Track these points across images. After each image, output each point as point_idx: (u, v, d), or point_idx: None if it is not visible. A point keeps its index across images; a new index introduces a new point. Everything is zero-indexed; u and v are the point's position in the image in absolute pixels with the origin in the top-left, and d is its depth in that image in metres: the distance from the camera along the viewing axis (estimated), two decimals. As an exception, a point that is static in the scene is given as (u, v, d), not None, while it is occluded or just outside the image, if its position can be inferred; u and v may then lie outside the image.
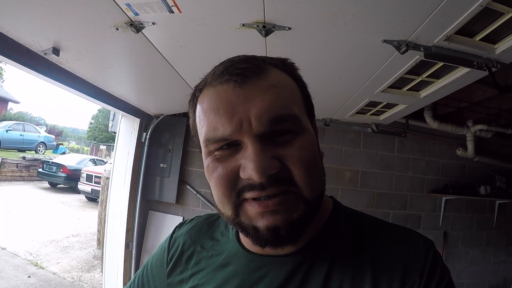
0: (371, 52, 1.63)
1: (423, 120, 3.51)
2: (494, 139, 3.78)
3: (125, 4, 1.24)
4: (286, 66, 0.61)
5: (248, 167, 0.51)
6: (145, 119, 3.33)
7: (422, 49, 1.54)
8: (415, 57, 1.65)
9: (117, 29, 1.43)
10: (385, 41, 1.50)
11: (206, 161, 0.58)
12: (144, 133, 3.32)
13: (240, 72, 0.54)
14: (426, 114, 3.44)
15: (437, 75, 2.02)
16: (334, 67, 1.88)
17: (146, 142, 3.33)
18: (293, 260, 0.62)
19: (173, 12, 1.28)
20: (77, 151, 25.62)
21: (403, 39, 1.49)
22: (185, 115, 3.48)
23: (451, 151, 3.79)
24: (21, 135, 15.28)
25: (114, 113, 3.97)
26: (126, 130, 3.36)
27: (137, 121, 3.28)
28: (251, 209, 0.54)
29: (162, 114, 3.33)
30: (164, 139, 3.50)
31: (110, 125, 4.29)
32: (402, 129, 3.62)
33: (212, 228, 0.78)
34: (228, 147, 0.54)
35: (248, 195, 0.53)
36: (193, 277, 0.72)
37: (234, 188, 0.54)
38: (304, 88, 0.63)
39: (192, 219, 0.85)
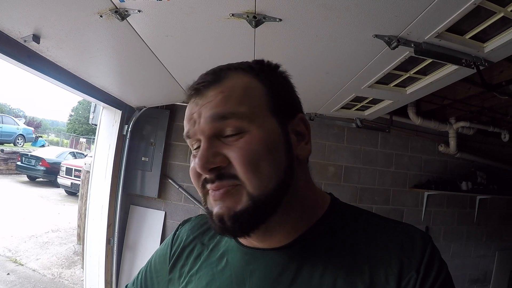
0: (361, 46, 1.61)
1: (407, 116, 3.55)
2: (476, 136, 3.87)
3: (110, -11, 1.18)
4: (251, 68, 0.66)
5: (195, 162, 0.60)
6: (127, 111, 3.24)
7: (412, 45, 1.53)
8: (405, 53, 1.64)
9: (101, 16, 1.36)
10: (376, 35, 1.48)
11: None
12: (126, 126, 3.23)
13: (196, 87, 0.63)
14: (410, 110, 3.48)
15: (424, 72, 2.02)
16: (322, 61, 1.85)
17: (128, 135, 3.24)
18: (285, 253, 0.64)
19: (160, -1, 1.22)
20: (57, 143, 25.12)
21: (395, 34, 1.47)
22: (168, 107, 3.42)
23: (433, 147, 3.86)
24: (-1, 127, 14.82)
25: (95, 105, 3.87)
26: (107, 123, 3.26)
27: (118, 113, 3.19)
28: (210, 197, 0.62)
29: (145, 106, 3.24)
30: (146, 132, 3.41)
31: (91, 117, 4.19)
32: (386, 124, 3.65)
33: None
34: (199, 146, 0.62)
35: (207, 186, 0.61)
36: (191, 272, 0.75)
37: (199, 180, 0.63)
38: (274, 86, 0.66)
39: (196, 216, 0.89)
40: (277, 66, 0.71)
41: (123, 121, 3.22)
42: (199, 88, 0.63)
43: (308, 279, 0.60)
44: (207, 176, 0.60)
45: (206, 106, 0.60)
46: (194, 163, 0.62)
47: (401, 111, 3.47)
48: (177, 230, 0.87)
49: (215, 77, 0.63)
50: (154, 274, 0.85)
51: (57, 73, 2.04)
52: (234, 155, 0.58)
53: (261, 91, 0.64)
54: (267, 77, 0.66)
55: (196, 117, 0.61)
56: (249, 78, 0.65)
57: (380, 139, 3.72)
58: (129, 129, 3.23)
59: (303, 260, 0.62)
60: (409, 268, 0.57)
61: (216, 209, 0.60)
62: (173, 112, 3.44)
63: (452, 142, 3.70)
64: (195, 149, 0.65)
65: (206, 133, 0.60)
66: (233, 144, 0.59)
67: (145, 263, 0.90)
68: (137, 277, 0.89)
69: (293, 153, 0.64)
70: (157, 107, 3.39)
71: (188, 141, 0.66)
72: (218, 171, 0.59)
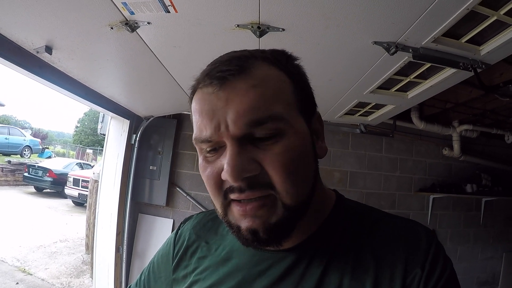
0: (361, 53, 1.67)
1: (410, 121, 3.58)
2: (479, 139, 3.89)
3: (122, 2, 1.24)
4: (277, 60, 0.59)
5: (225, 170, 0.52)
6: (134, 121, 3.31)
7: (410, 50, 1.58)
8: (404, 58, 1.69)
9: (112, 28, 1.42)
10: (375, 42, 1.53)
11: (199, 159, 0.59)
12: (134, 135, 3.29)
13: (220, 75, 0.53)
14: (413, 115, 3.51)
15: (424, 76, 2.06)
16: (325, 68, 1.91)
17: (136, 144, 3.30)
18: (294, 254, 0.63)
19: (169, 12, 1.29)
20: (63, 155, 25.30)
21: (393, 40, 1.53)
22: (175, 116, 3.48)
23: (437, 151, 3.88)
24: (6, 138, 14.99)
25: (104, 115, 3.94)
26: (116, 132, 3.33)
27: (126, 122, 3.26)
28: (236, 210, 0.56)
29: (152, 116, 3.31)
30: (153, 141, 3.47)
31: (99, 127, 4.26)
32: (390, 129, 3.68)
33: (217, 223, 0.78)
34: (217, 149, 0.55)
35: (232, 196, 0.55)
36: (196, 271, 0.73)
37: (221, 189, 0.56)
38: (299, 81, 0.60)
39: (198, 214, 0.85)
40: (296, 58, 0.63)
41: (131, 131, 3.29)
42: (224, 77, 0.53)
43: (315, 277, 0.59)
44: (236, 184, 0.53)
45: (236, 105, 0.51)
46: (211, 169, 0.56)
47: (405, 116, 3.51)
48: (178, 228, 0.84)
49: (241, 64, 0.54)
50: (157, 275, 0.82)
51: (67, 84, 2.10)
52: (271, 163, 0.52)
53: (290, 87, 0.57)
54: (293, 71, 0.60)
55: (221, 117, 0.52)
56: (277, 71, 0.57)
57: (385, 144, 3.74)
58: (137, 139, 3.29)
59: (311, 259, 0.61)
60: (414, 265, 0.56)
61: (245, 222, 0.55)
62: (180, 121, 3.50)
63: (456, 145, 3.72)
64: (209, 152, 0.56)
65: (236, 137, 0.52)
66: (269, 149, 0.53)
67: (147, 264, 0.88)
68: (140, 278, 0.87)
69: (315, 153, 0.62)
70: (164, 116, 3.45)
71: (200, 144, 0.57)
72: (250, 179, 0.52)
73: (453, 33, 1.52)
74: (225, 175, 0.52)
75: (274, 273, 0.63)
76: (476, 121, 3.66)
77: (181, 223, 0.85)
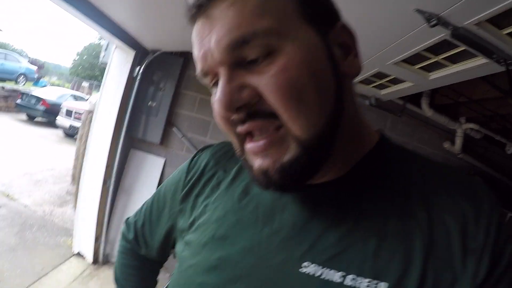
0: (399, 18, 1.56)
1: (419, 106, 3.50)
2: (482, 141, 3.81)
3: None
4: None
5: (216, 102, 0.46)
6: (140, 53, 3.17)
7: (450, 27, 1.47)
8: (441, 34, 1.58)
9: None
10: (417, 10, 1.42)
11: None
12: (138, 67, 3.16)
13: (197, 2, 0.47)
14: (423, 100, 3.43)
15: (452, 60, 1.96)
16: (358, 27, 1.79)
17: (138, 76, 3.17)
18: (326, 190, 0.54)
19: None
20: (58, 86, 24.87)
21: (436, 12, 1.42)
22: (183, 55, 3.33)
23: (439, 142, 3.82)
24: (1, 63, 14.53)
25: (108, 43, 3.78)
26: (119, 62, 3.21)
27: (131, 53, 3.13)
28: (248, 149, 0.50)
29: (159, 50, 3.16)
30: (156, 77, 3.32)
31: (101, 55, 4.11)
32: (398, 109, 3.59)
33: None
34: (219, 81, 0.48)
35: (238, 130, 0.48)
36: (206, 201, 0.65)
37: (228, 123, 0.49)
38: None
39: (220, 142, 0.75)
40: None
41: (135, 63, 3.17)
42: (201, 4, 0.47)
43: (353, 216, 0.51)
44: (236, 117, 0.47)
45: (217, 30, 0.45)
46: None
47: (414, 100, 3.43)
48: (194, 156, 0.75)
49: None
50: (162, 204, 0.75)
51: (77, 1, 1.97)
52: (267, 86, 0.44)
53: None
54: None
55: (206, 46, 0.46)
56: None
57: (390, 123, 3.67)
58: (140, 71, 3.16)
59: (347, 197, 0.53)
60: (475, 226, 0.46)
61: (257, 162, 0.49)
62: (187, 60, 3.34)
63: (458, 142, 3.66)
64: (213, 86, 0.50)
65: (223, 63, 0.46)
66: (264, 71, 0.45)
67: (152, 194, 0.80)
68: (141, 208, 0.81)
69: (340, 72, 0.50)
70: (171, 53, 3.29)
71: (203, 80, 0.52)
72: (247, 108, 0.46)
73: (495, 21, 1.42)
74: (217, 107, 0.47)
75: (303, 209, 0.54)
76: (484, 123, 3.59)
77: (198, 150, 0.76)
